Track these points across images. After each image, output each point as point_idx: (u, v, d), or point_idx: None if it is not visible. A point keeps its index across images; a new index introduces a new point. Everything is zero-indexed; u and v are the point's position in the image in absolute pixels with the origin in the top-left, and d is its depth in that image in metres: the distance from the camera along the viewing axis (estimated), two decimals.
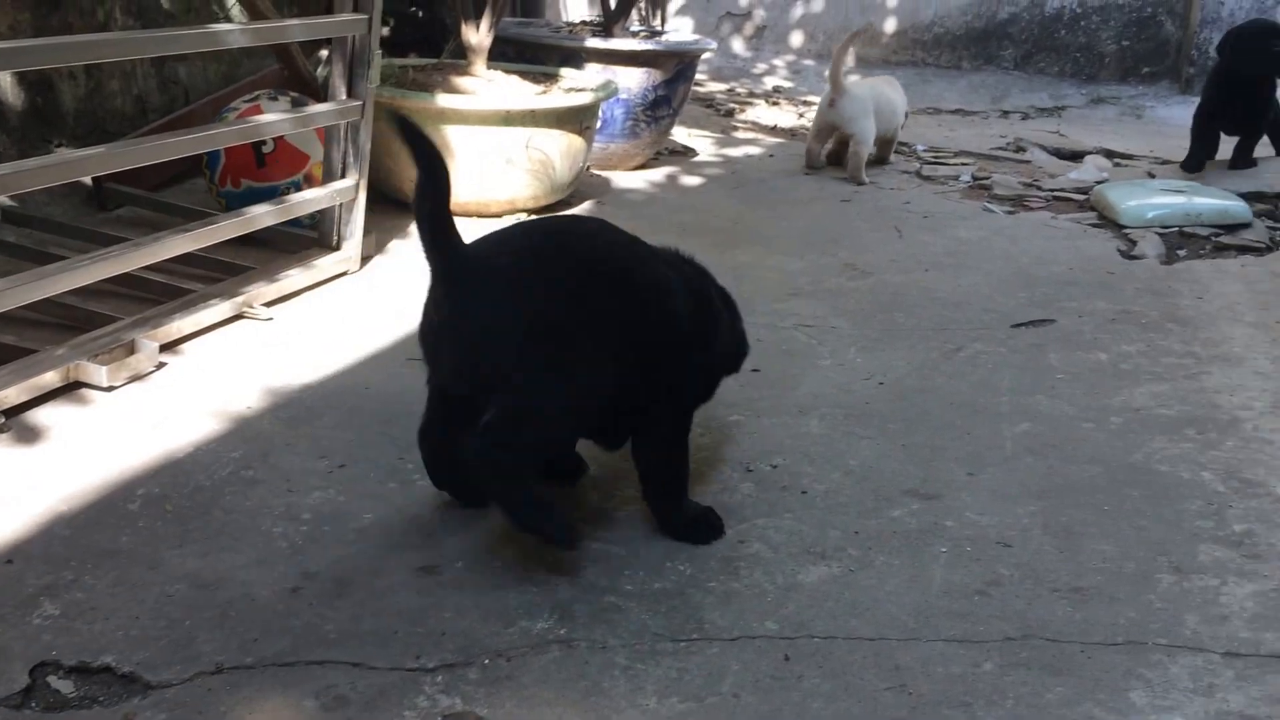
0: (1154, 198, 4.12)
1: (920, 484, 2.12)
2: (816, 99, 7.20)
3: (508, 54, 4.29)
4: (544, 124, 3.63)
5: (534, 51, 4.32)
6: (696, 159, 5.00)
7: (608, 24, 4.58)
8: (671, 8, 7.78)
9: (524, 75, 3.99)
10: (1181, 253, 3.75)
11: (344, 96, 2.91)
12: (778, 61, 7.77)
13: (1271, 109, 4.62)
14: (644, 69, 4.36)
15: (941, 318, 3.03)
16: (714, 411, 2.38)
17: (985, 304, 3.15)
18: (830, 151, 4.85)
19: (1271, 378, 2.63)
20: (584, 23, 4.82)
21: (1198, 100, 4.88)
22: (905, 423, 2.38)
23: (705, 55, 7.20)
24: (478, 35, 3.80)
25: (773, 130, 5.95)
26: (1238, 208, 3.99)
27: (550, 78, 4.06)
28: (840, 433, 2.32)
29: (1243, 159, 4.70)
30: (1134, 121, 6.73)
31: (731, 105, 6.57)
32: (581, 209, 3.96)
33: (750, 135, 5.75)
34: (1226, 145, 4.79)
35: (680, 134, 5.43)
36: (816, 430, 2.33)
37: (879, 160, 4.98)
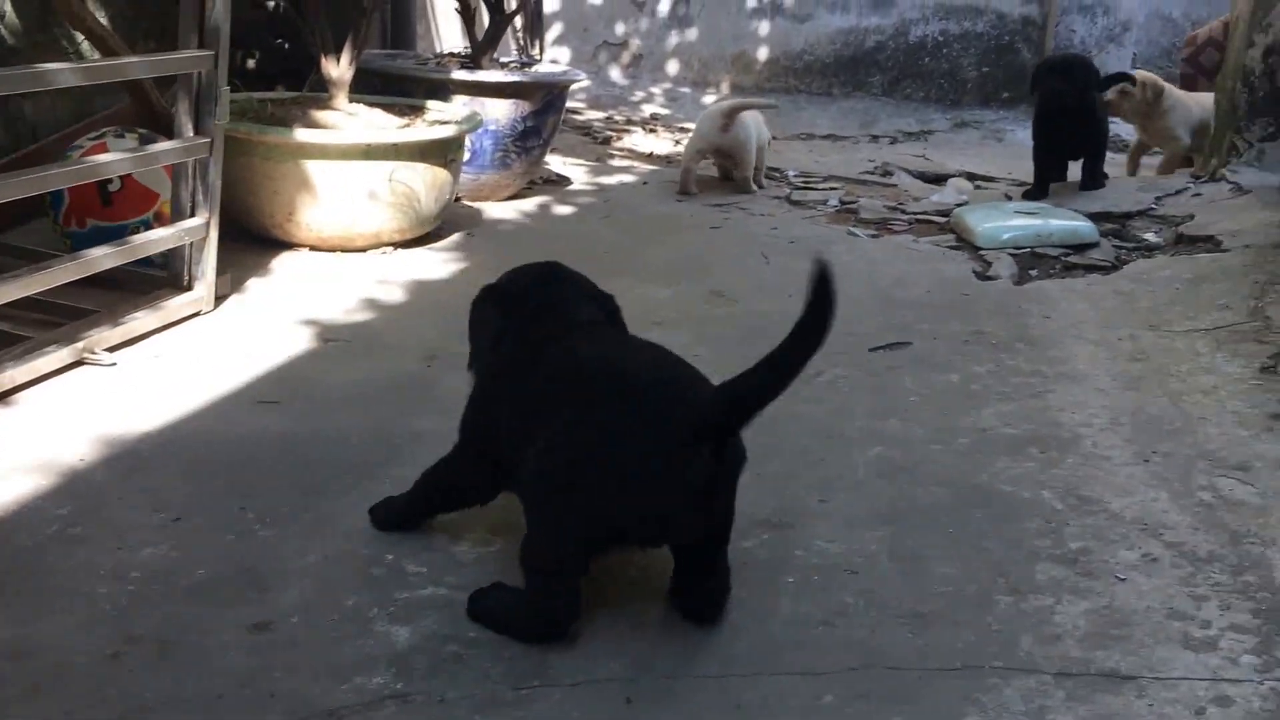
0: (1008, 220, 4.22)
1: (773, 514, 2.11)
2: (693, 125, 7.32)
3: (374, 86, 4.21)
4: (407, 157, 3.57)
5: (400, 84, 4.25)
6: (570, 188, 4.97)
7: (475, 56, 4.53)
8: (549, 37, 7.77)
9: (388, 108, 3.92)
10: (1033, 273, 3.84)
11: (191, 133, 2.81)
12: (655, 89, 7.81)
13: (1101, 127, 4.77)
14: (512, 100, 4.33)
15: None
16: None
17: (845, 328, 3.14)
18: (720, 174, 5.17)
19: (1110, 394, 2.70)
20: (452, 55, 4.76)
21: None
22: (762, 452, 2.34)
23: (578, 85, 7.23)
24: (338, 69, 3.72)
25: (648, 157, 5.95)
26: (1085, 228, 4.11)
27: (415, 110, 4.00)
28: None
29: (1092, 180, 4.86)
30: (995, 145, 6.91)
31: (609, 133, 6.57)
32: (450, 241, 3.90)
33: (626, 163, 5.75)
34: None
35: (556, 163, 5.40)
36: None
37: (741, 191, 5.20)
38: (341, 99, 3.75)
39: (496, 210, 4.44)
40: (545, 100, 4.46)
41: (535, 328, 1.84)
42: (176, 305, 2.85)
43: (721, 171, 5.24)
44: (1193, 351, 2.94)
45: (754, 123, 5.11)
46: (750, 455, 2.30)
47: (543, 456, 1.62)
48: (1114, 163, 5.23)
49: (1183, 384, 2.75)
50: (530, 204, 4.58)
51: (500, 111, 4.32)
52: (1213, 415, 2.55)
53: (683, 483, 1.59)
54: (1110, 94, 5.12)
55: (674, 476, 1.58)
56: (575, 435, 1.62)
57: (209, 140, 2.81)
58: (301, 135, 3.40)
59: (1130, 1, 7.56)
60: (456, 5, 4.65)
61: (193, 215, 2.86)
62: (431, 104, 4.08)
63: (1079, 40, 7.52)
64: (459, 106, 4.14)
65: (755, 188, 5.03)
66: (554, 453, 1.61)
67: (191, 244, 2.89)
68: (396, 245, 3.72)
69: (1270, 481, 2.23)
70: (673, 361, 1.83)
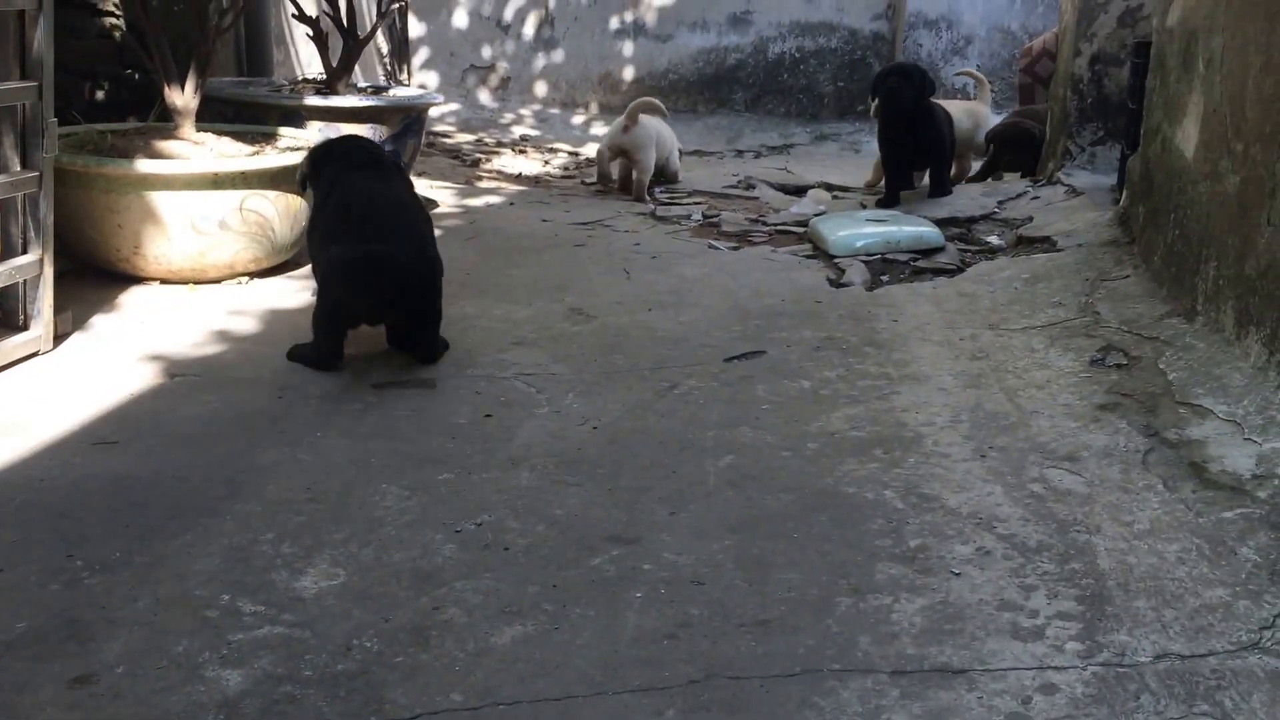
0: (860, 228, 4.28)
1: (623, 528, 2.08)
2: (564, 145, 7.30)
3: (226, 115, 4.08)
4: (259, 185, 3.45)
5: (253, 111, 4.12)
6: (436, 211, 4.88)
7: (330, 81, 4.42)
8: (417, 62, 7.67)
9: (238, 136, 3.79)
10: (884, 278, 3.90)
11: (18, 168, 2.66)
12: (524, 111, 7.77)
13: (942, 134, 4.90)
14: (368, 125, 4.24)
15: (659, 356, 3.03)
16: (424, 472, 2.29)
17: (702, 340, 3.17)
18: (621, 177, 5.46)
19: (952, 392, 2.74)
20: (307, 80, 4.64)
21: None
22: (614, 466, 2.35)
23: (442, 109, 7.14)
24: (183, 97, 3.58)
25: (517, 179, 5.91)
26: (932, 234, 4.20)
27: (268, 138, 3.88)
28: (550, 482, 2.26)
29: (938, 188, 4.97)
30: (853, 156, 7.04)
31: (478, 155, 6.50)
32: (309, 269, 3.77)
33: (493, 184, 5.69)
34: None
35: (422, 187, 5.28)
36: (526, 482, 2.26)
37: (670, 181, 5.61)
38: (188, 128, 3.61)
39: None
40: (404, 124, 4.38)
41: (331, 171, 2.93)
42: (11, 346, 2.69)
43: (623, 180, 5.49)
44: (1028, 348, 3.01)
45: (656, 129, 5.40)
46: (602, 471, 2.31)
47: (322, 265, 2.83)
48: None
49: (1019, 380, 2.80)
50: None
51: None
52: (1045, 408, 2.61)
53: (378, 290, 2.75)
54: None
55: (371, 286, 2.75)
56: (330, 255, 2.79)
57: (37, 174, 2.67)
58: (143, 166, 3.27)
59: (972, 17, 7.80)
60: (308, 31, 4.53)
61: (24, 252, 2.71)
62: (284, 131, 3.96)
63: (925, 54, 7.72)
64: (313, 133, 4.03)
65: (647, 198, 5.27)
66: (324, 265, 2.82)
67: (25, 282, 2.73)
68: (252, 275, 3.60)
69: (1096, 470, 2.29)
70: (393, 210, 2.83)
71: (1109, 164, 4.74)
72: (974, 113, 5.59)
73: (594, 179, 5.88)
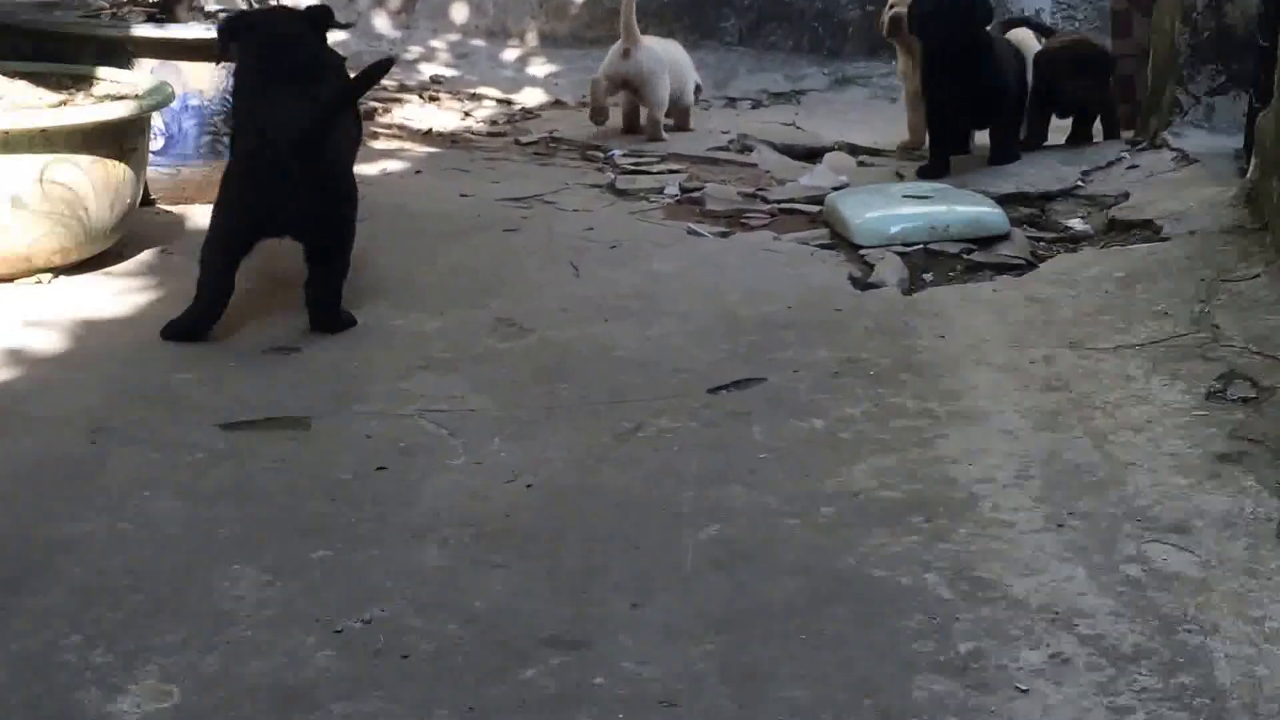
0: (896, 208, 4.31)
1: (567, 627, 2.08)
2: (491, 91, 7.33)
3: (21, 50, 4.07)
4: (67, 148, 3.45)
5: (59, 45, 4.11)
6: None
7: (167, 2, 4.42)
8: None
9: (38, 79, 3.79)
10: (927, 277, 3.93)
11: None
12: (437, 43, 7.79)
13: (1008, 81, 4.94)
14: (222, 64, 4.22)
15: (619, 385, 3.04)
16: (292, 547, 2.28)
17: (678, 362, 3.18)
18: (626, 113, 5.90)
19: (1019, 437, 2.76)
20: (135, 3, 4.63)
21: None
22: (556, 539, 2.35)
23: None
24: None
25: (426, 136, 5.92)
26: (992, 216, 4.24)
27: (79, 82, 3.87)
28: (466, 563, 2.27)
29: (1001, 152, 5.02)
30: (886, 106, 7.11)
31: (372, 103, 6.49)
32: (136, 263, 3.78)
33: (394, 144, 5.70)
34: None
35: None
36: (434, 562, 2.27)
37: (679, 126, 5.96)
38: None
39: (204, 215, 4.27)
40: None
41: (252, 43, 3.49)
42: None
43: (627, 117, 5.87)
44: (1123, 375, 3.04)
45: (668, 52, 5.74)
46: (538, 546, 2.32)
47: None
48: (1058, 129, 5.44)
49: (1109, 419, 2.83)
50: None
51: (207, 80, 4.23)
52: (1145, 459, 2.63)
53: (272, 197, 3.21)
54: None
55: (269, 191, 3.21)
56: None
57: None
58: None
59: None
60: None
61: None
62: (103, 72, 3.96)
63: None
64: (143, 75, 4.02)
65: (664, 136, 5.71)
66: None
67: None
68: (56, 271, 3.59)
69: (1214, 545, 2.31)
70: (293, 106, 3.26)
71: (1232, 120, 4.81)
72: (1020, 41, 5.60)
73: (531, 137, 5.91)
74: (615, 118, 5.98)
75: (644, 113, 5.81)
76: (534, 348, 3.26)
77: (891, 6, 5.56)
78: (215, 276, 3.24)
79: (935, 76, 4.93)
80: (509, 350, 3.25)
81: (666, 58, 5.80)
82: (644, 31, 6.71)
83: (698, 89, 6.23)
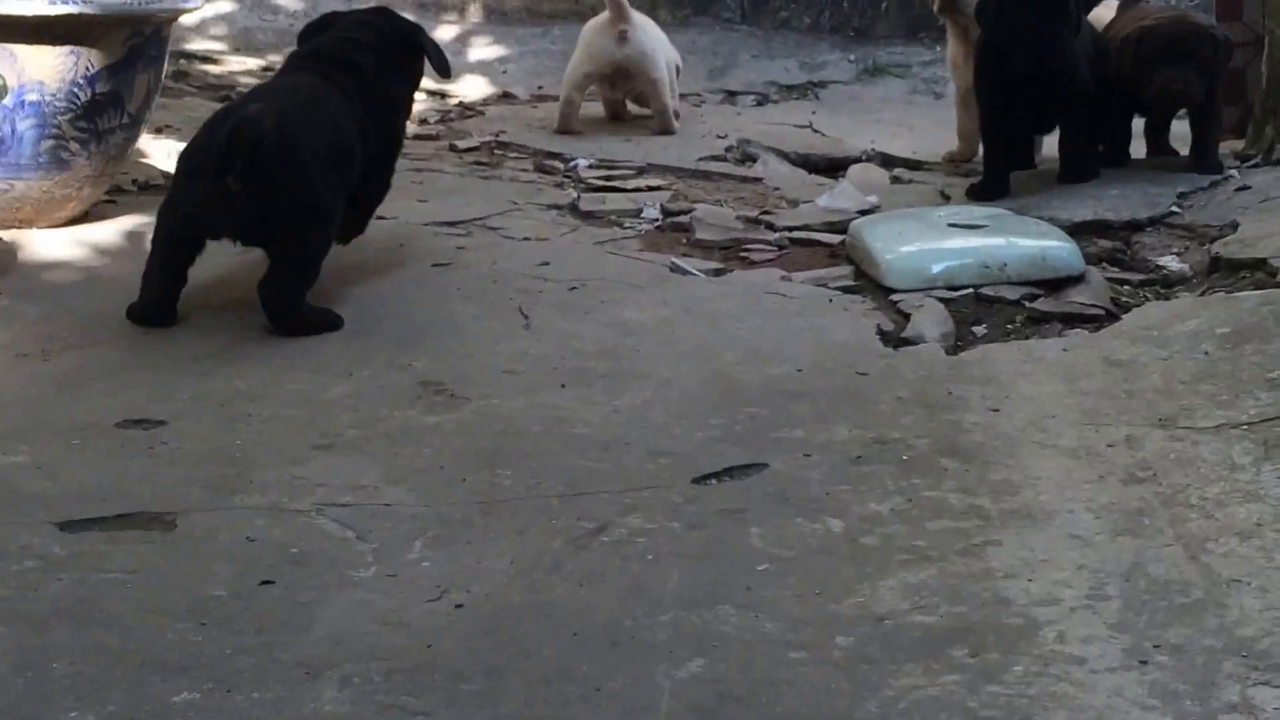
0: (939, 240, 4.35)
1: None
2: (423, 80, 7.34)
3: None
4: None
5: None
6: None
7: None
8: None
9: None
10: (978, 330, 3.96)
11: None
12: None
13: (1085, 77, 4.98)
14: (66, 49, 4.28)
15: (578, 473, 3.04)
16: (149, 688, 2.28)
17: (655, 442, 3.19)
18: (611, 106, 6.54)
19: (1092, 544, 2.77)
20: None
21: None
22: (493, 678, 2.34)
23: (204, 12, 7.17)
24: None
25: None
26: (1062, 252, 4.27)
27: None
28: (375, 709, 2.26)
29: (1075, 168, 5.06)
30: (930, 103, 7.19)
31: None
32: None
33: None
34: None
35: (161, 154, 5.33)
36: (333, 707, 2.26)
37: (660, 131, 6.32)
38: None
39: (46, 244, 4.37)
40: (130, 47, 4.43)
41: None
42: None
43: (610, 110, 6.34)
44: (1226, 463, 3.05)
45: (659, 34, 6.22)
46: (469, 688, 2.32)
47: None
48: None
49: (1208, 521, 2.84)
50: (110, 231, 4.53)
51: (46, 69, 4.27)
52: (1253, 575, 2.63)
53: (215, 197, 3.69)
54: None
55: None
56: None
57: None
58: None
59: None
60: None
61: None
62: None
63: None
64: None
65: (676, 127, 6.25)
66: None
67: None
68: None
69: None
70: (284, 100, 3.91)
71: None
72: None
73: (471, 141, 5.94)
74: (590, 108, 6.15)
75: (652, 106, 6.30)
76: (469, 422, 3.26)
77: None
78: (158, 270, 3.78)
79: (1009, 80, 4.96)
80: (436, 425, 3.24)
81: (661, 40, 6.30)
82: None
83: (678, 69, 6.56)
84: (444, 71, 4.46)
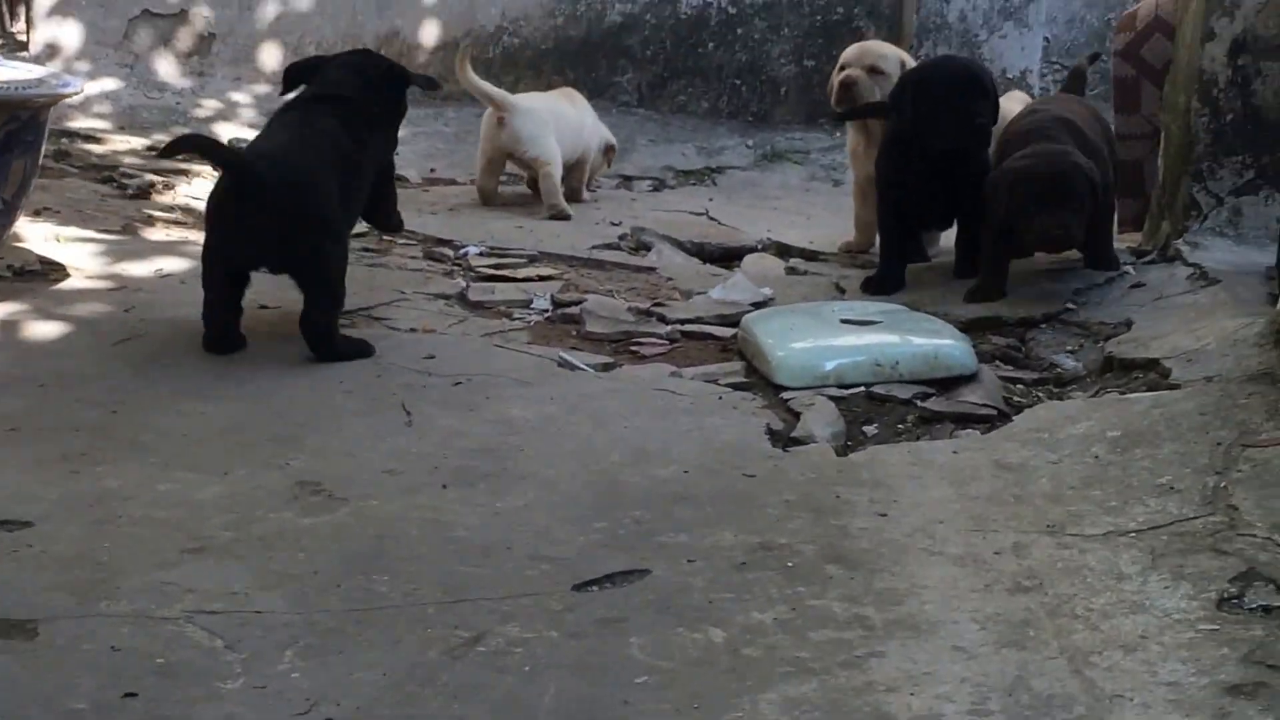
0: (831, 336, 4.40)
1: None
2: None
3: None
4: None
5: None
6: (64, 285, 4.89)
7: None
8: (43, 3, 7.67)
9: None
10: (869, 429, 4.00)
11: None
12: (239, 96, 7.84)
13: (986, 169, 5.10)
14: None
15: (457, 579, 3.04)
16: None
17: (536, 546, 3.19)
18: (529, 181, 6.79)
19: (976, 656, 2.79)
20: None
21: None
22: None
23: (90, 90, 7.14)
24: None
25: None
26: (954, 351, 4.33)
27: None
28: None
29: (969, 263, 5.13)
30: (828, 190, 7.28)
31: (151, 177, 6.52)
32: None
33: (177, 234, 5.74)
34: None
35: (37, 237, 5.29)
36: None
37: (568, 197, 6.62)
38: None
39: None
40: (7, 132, 4.42)
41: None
42: None
43: (532, 181, 6.70)
44: (1114, 573, 3.09)
45: (551, 109, 6.54)
46: None
47: None
48: None
49: (1093, 633, 2.87)
50: None
51: None
52: (1136, 689, 2.66)
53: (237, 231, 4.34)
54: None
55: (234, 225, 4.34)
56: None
57: None
58: None
59: None
60: None
61: None
62: None
63: (956, 15, 8.02)
64: None
65: (564, 206, 6.49)
66: None
67: None
68: None
69: None
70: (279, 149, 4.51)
71: (1262, 228, 5.00)
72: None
73: (360, 228, 5.94)
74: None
75: (540, 183, 6.51)
76: (346, 525, 3.25)
77: (843, 68, 5.72)
78: (217, 306, 4.40)
79: (915, 165, 5.09)
80: (312, 528, 3.23)
81: (549, 115, 6.46)
82: (516, 88, 6.87)
83: (610, 149, 6.90)
84: (432, 86, 5.38)
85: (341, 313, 4.48)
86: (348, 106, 4.66)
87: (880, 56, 5.77)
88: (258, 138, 4.76)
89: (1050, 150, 4.95)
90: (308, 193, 4.35)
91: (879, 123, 5.50)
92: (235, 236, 4.32)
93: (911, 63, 5.75)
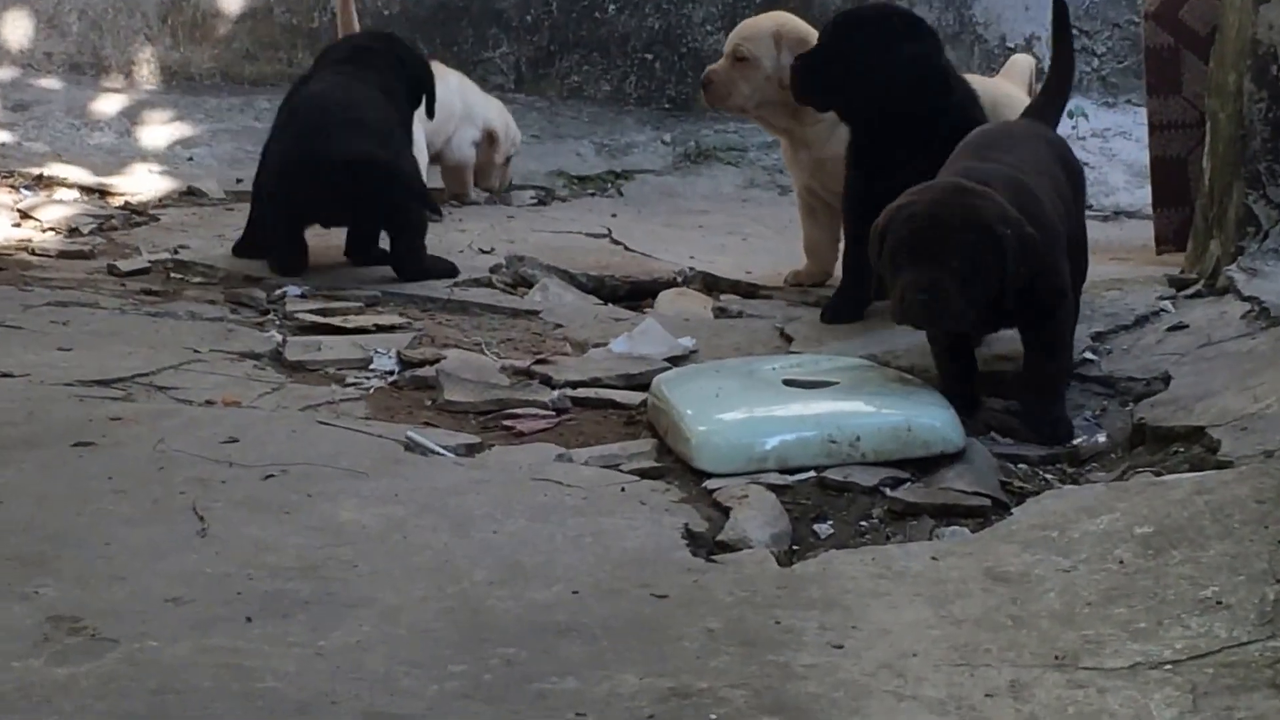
0: (771, 404, 4.42)
1: None
2: (69, 169, 7.28)
3: None
4: None
5: None
6: None
7: None
8: None
9: None
10: (821, 529, 4.02)
11: None
12: None
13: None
14: None
15: None
16: None
17: (372, 700, 3.17)
18: None
19: None
20: None
21: None
22: None
23: None
24: None
25: None
26: (934, 420, 4.35)
27: None
28: None
29: None
30: (772, 200, 7.36)
31: None
32: None
33: None
34: None
35: None
36: None
37: (454, 196, 7.22)
38: None
39: None
40: None
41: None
42: None
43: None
44: (1142, 718, 3.10)
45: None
46: None
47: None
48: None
49: None
50: None
51: None
52: None
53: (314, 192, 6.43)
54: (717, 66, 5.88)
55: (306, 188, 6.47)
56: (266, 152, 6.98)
57: None
58: None
59: None
60: None
61: None
62: None
63: None
64: None
65: (471, 194, 7.24)
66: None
67: None
68: None
69: None
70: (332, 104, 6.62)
71: None
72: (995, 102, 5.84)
73: (138, 261, 5.94)
74: None
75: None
76: (115, 675, 3.21)
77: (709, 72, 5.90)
78: (281, 243, 6.35)
79: (870, 163, 5.22)
80: (69, 681, 3.19)
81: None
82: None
83: (492, 137, 7.36)
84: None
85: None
86: (380, 64, 6.86)
87: (744, 39, 5.88)
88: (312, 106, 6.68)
89: (951, 187, 4.64)
90: (390, 167, 6.29)
91: (810, 121, 5.59)
92: (313, 208, 6.37)
93: (812, 38, 5.78)
